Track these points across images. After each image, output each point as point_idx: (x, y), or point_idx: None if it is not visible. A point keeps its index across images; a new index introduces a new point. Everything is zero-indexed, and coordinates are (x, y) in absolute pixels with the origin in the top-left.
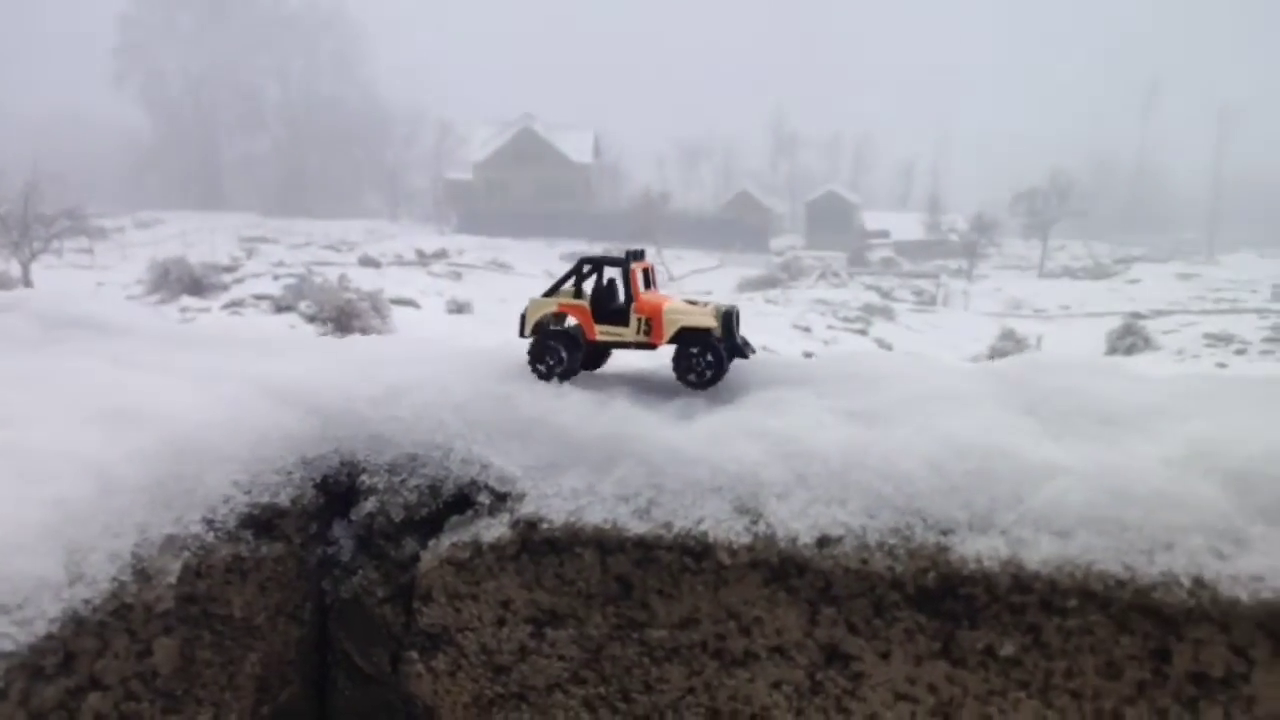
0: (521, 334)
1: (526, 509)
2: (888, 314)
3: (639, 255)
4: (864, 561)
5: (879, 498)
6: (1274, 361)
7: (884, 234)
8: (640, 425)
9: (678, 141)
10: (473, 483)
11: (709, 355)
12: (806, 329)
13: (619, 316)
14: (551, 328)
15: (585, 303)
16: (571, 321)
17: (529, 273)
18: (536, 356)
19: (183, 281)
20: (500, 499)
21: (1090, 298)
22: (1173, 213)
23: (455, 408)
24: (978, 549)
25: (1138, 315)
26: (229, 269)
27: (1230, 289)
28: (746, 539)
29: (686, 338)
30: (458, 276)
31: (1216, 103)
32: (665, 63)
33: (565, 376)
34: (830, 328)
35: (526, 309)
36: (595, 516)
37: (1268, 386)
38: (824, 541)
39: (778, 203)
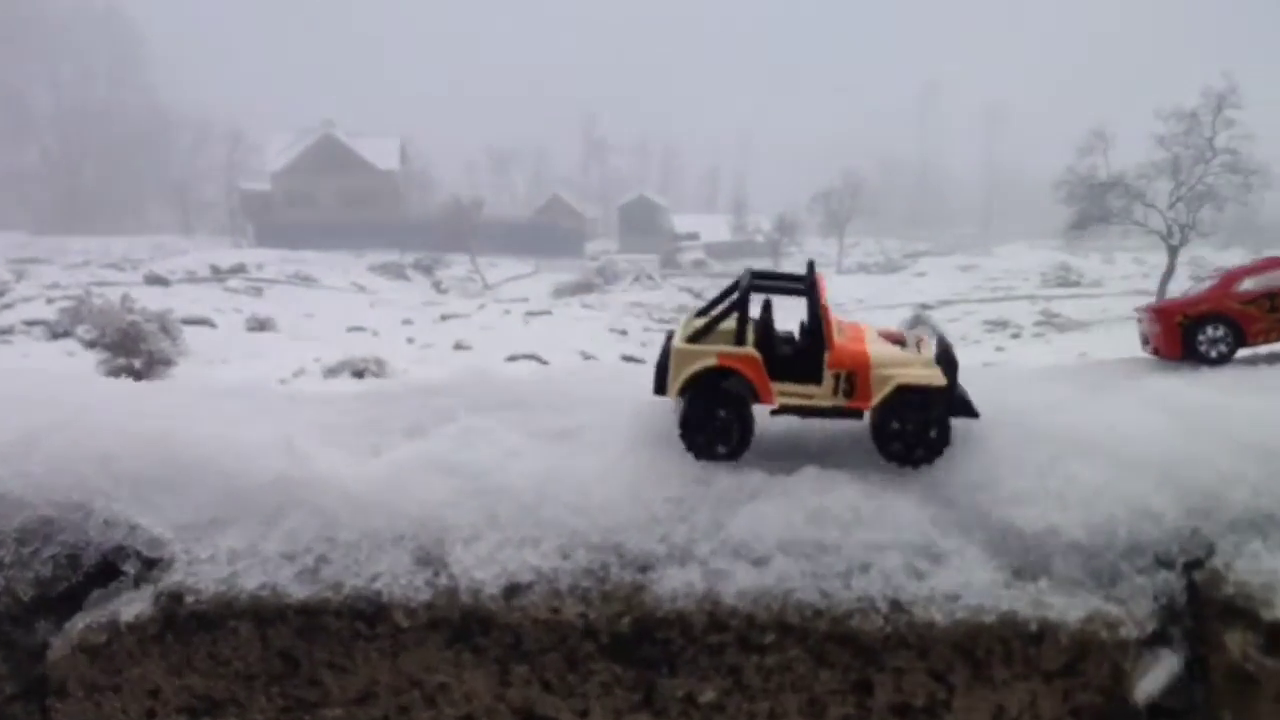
0: (660, 391)
1: (172, 578)
2: None
3: (812, 269)
4: (555, 610)
5: (574, 534)
6: (1044, 344)
7: (694, 236)
8: (317, 465)
9: (488, 148)
10: (118, 549)
11: (935, 428)
12: (623, 332)
13: (801, 369)
14: (718, 388)
15: (753, 350)
16: (729, 372)
17: (336, 285)
18: (704, 434)
19: None
20: (148, 566)
21: (884, 291)
22: (952, 209)
23: (101, 458)
24: (674, 586)
25: (925, 306)
26: None
27: (1005, 278)
28: (426, 595)
29: (900, 399)
30: (258, 292)
31: (986, 104)
32: (473, 68)
33: (735, 457)
34: (646, 329)
35: (670, 357)
36: (252, 582)
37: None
38: (512, 591)
39: (590, 207)
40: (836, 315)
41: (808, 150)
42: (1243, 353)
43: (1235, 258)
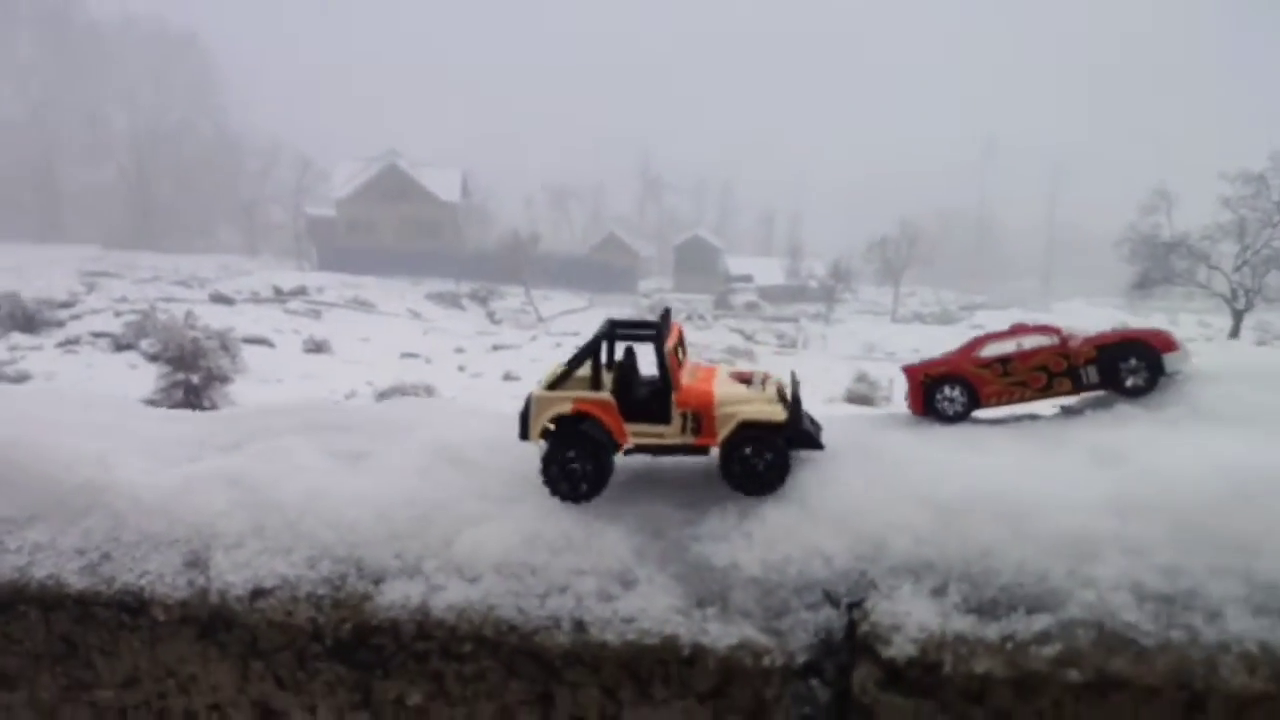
0: (524, 436)
1: None
2: (750, 356)
3: (666, 317)
4: (289, 614)
5: (324, 546)
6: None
7: (747, 278)
8: (120, 474)
9: (546, 183)
10: None
11: (769, 454)
12: None
13: (654, 411)
14: (573, 429)
15: (608, 394)
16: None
17: (392, 312)
18: (556, 475)
19: (14, 317)
20: None
21: (938, 342)
22: (1010, 263)
23: None
24: (395, 597)
25: None
26: (66, 304)
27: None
28: (183, 593)
29: (744, 434)
30: (317, 315)
31: (1047, 163)
32: (534, 104)
33: (593, 495)
34: None
35: (529, 404)
36: (42, 572)
37: None
38: (257, 594)
39: (645, 246)
40: (695, 360)
41: (865, 198)
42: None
43: None
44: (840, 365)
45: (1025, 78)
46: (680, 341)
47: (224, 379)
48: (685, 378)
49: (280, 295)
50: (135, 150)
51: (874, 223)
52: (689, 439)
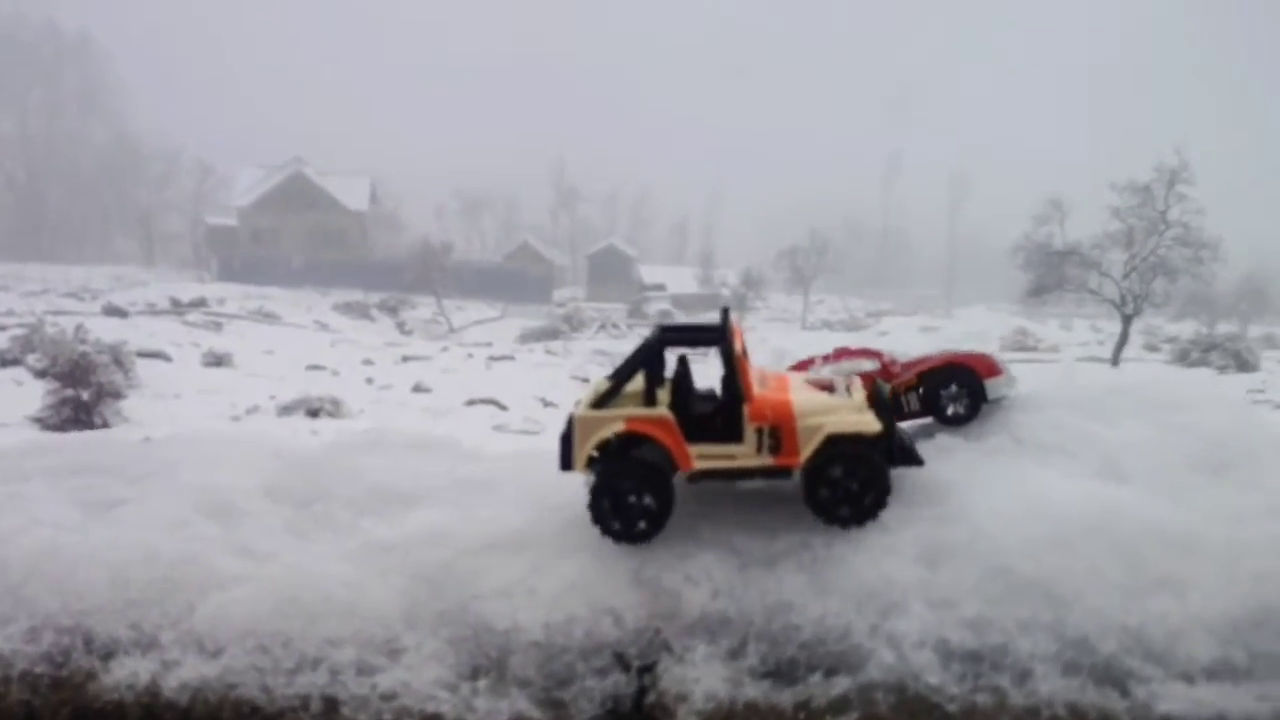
0: (566, 465)
1: None
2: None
3: (726, 317)
4: (2, 696)
5: (47, 615)
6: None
7: (661, 287)
8: None
9: (459, 192)
10: None
11: (865, 474)
12: (585, 379)
13: (721, 427)
14: (626, 454)
15: (666, 411)
16: (643, 438)
17: (298, 323)
18: (609, 512)
19: None
20: None
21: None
22: (914, 272)
23: None
24: (123, 675)
25: None
26: None
27: (965, 340)
28: None
29: (833, 450)
30: (217, 327)
31: (948, 174)
32: (445, 112)
33: (653, 534)
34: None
35: (572, 426)
36: None
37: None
38: None
39: (559, 255)
40: (760, 367)
41: (775, 208)
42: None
43: (1189, 328)
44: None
45: (931, 93)
46: (744, 346)
47: (116, 395)
48: (755, 386)
49: (178, 307)
50: (25, 157)
51: (784, 233)
52: (766, 460)
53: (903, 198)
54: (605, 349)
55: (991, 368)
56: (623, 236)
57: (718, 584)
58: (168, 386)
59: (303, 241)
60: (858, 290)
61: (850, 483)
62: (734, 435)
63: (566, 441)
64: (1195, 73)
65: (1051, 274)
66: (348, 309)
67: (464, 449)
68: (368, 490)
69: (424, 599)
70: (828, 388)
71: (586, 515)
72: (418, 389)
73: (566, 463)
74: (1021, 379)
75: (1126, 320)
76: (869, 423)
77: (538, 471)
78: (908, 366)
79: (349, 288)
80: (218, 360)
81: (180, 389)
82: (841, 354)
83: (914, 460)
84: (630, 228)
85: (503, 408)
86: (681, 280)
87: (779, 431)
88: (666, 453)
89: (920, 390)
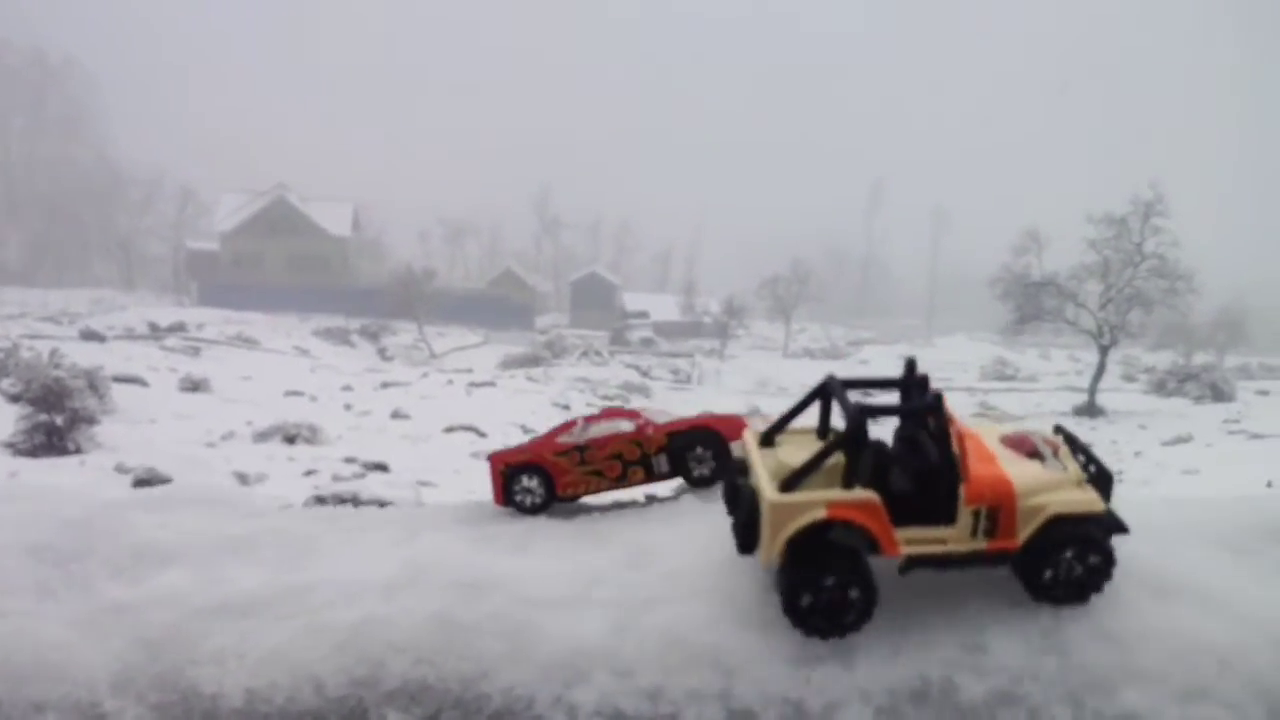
0: (747, 549)
1: None
2: (645, 391)
3: (913, 370)
4: None
5: None
6: None
7: (643, 315)
8: None
9: (442, 219)
10: None
11: (1094, 556)
12: (566, 406)
13: (927, 508)
14: (826, 542)
15: (872, 494)
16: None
17: (278, 349)
18: (809, 608)
19: None
20: None
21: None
22: (896, 301)
23: None
24: None
25: (866, 393)
26: None
27: (945, 369)
28: None
29: (1056, 531)
30: (195, 352)
31: (929, 205)
32: (430, 140)
33: (859, 628)
34: (589, 405)
35: (763, 513)
36: None
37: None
38: None
39: (542, 281)
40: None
41: (758, 237)
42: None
43: (1166, 359)
44: (734, 400)
45: (912, 124)
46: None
47: (90, 420)
48: (976, 465)
49: (157, 332)
50: (6, 179)
51: (766, 261)
52: (980, 544)
53: (885, 228)
54: (587, 376)
55: (738, 430)
56: (606, 264)
57: (422, 649)
58: (143, 412)
59: (284, 267)
60: (839, 319)
61: (1077, 564)
62: (945, 517)
63: (747, 526)
64: (1176, 106)
65: (1029, 304)
66: (328, 335)
67: (257, 505)
68: (129, 549)
69: (140, 662)
70: (1032, 452)
71: (323, 576)
72: (397, 415)
73: (748, 547)
74: None
75: (1103, 351)
76: (1093, 501)
77: (309, 529)
78: (659, 428)
79: (330, 313)
80: (195, 386)
81: (156, 414)
82: (608, 414)
83: (1120, 529)
84: (614, 255)
85: (482, 434)
86: (664, 308)
87: (997, 513)
88: (869, 536)
89: (669, 451)
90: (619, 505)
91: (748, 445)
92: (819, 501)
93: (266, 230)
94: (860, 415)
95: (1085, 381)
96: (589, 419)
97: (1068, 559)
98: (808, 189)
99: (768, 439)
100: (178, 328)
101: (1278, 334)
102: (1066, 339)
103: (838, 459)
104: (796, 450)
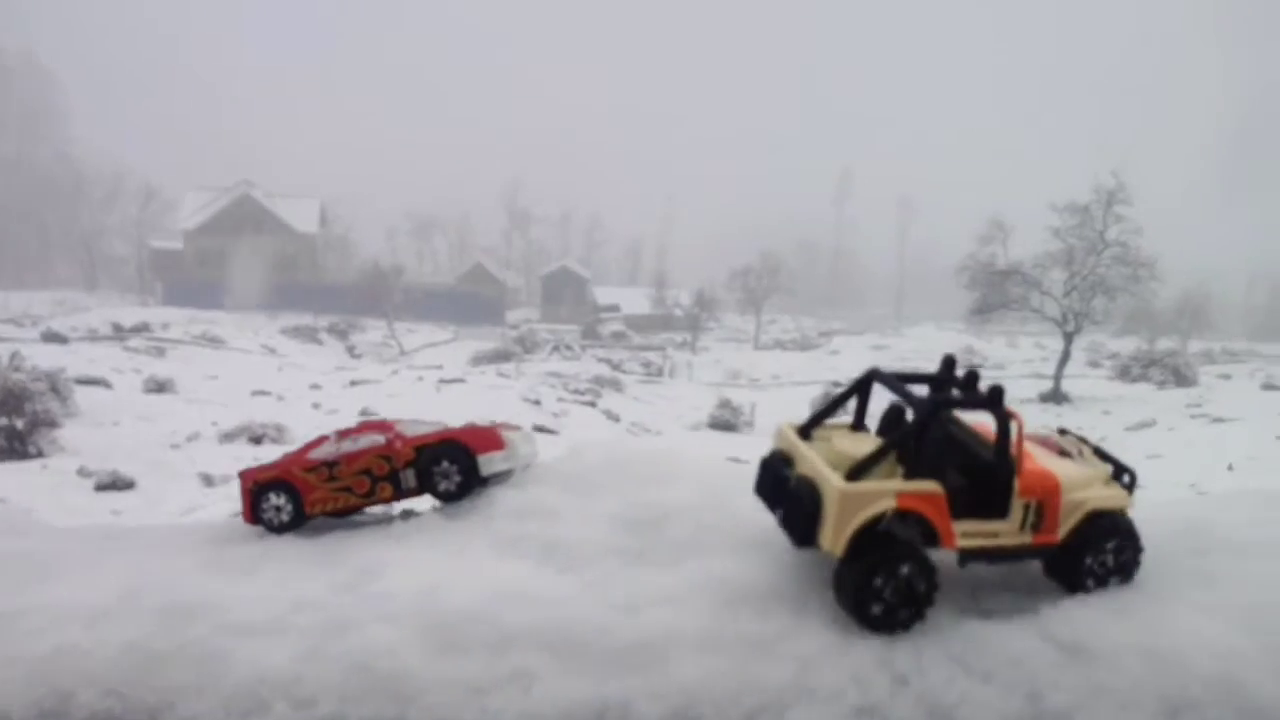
0: (807, 541)
1: None
2: (617, 385)
3: (950, 366)
4: None
5: None
6: None
7: (615, 308)
8: None
9: (411, 214)
10: None
11: (1129, 551)
12: (537, 401)
13: (983, 500)
14: (889, 536)
15: (937, 485)
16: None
17: (244, 348)
18: (888, 603)
19: None
20: None
21: (798, 367)
22: (866, 291)
23: None
24: None
25: (836, 383)
26: None
27: (914, 358)
28: None
29: (1093, 526)
30: (160, 352)
31: (897, 196)
32: (397, 135)
33: (914, 623)
34: (561, 400)
35: (824, 503)
36: None
37: None
38: None
39: (512, 276)
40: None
41: (728, 229)
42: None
43: (1130, 345)
44: (705, 392)
45: (879, 114)
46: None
47: (52, 423)
48: (1029, 461)
49: (120, 332)
50: None
51: (737, 253)
52: (1027, 538)
53: (854, 218)
54: (559, 370)
55: (489, 442)
56: (576, 258)
57: (113, 679)
58: (107, 414)
59: (250, 265)
60: (810, 309)
61: (1115, 556)
62: (999, 511)
63: (810, 515)
64: (1139, 95)
65: (995, 293)
66: (296, 333)
67: (19, 523)
68: None
69: None
70: (1061, 451)
71: (39, 602)
72: (365, 413)
73: (808, 538)
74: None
75: (1068, 338)
76: (1122, 497)
77: (62, 548)
78: (408, 442)
79: (298, 311)
80: (159, 386)
81: (119, 416)
82: (365, 427)
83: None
84: (584, 249)
85: None
86: (635, 301)
87: (1044, 507)
88: (931, 528)
89: (416, 466)
90: (373, 522)
91: (784, 434)
92: (889, 491)
93: (232, 227)
94: (934, 407)
95: (1052, 368)
96: (343, 433)
97: (1109, 549)
98: (778, 180)
99: (804, 433)
100: (142, 328)
101: (1239, 319)
102: (1033, 326)
103: (893, 453)
104: (848, 442)
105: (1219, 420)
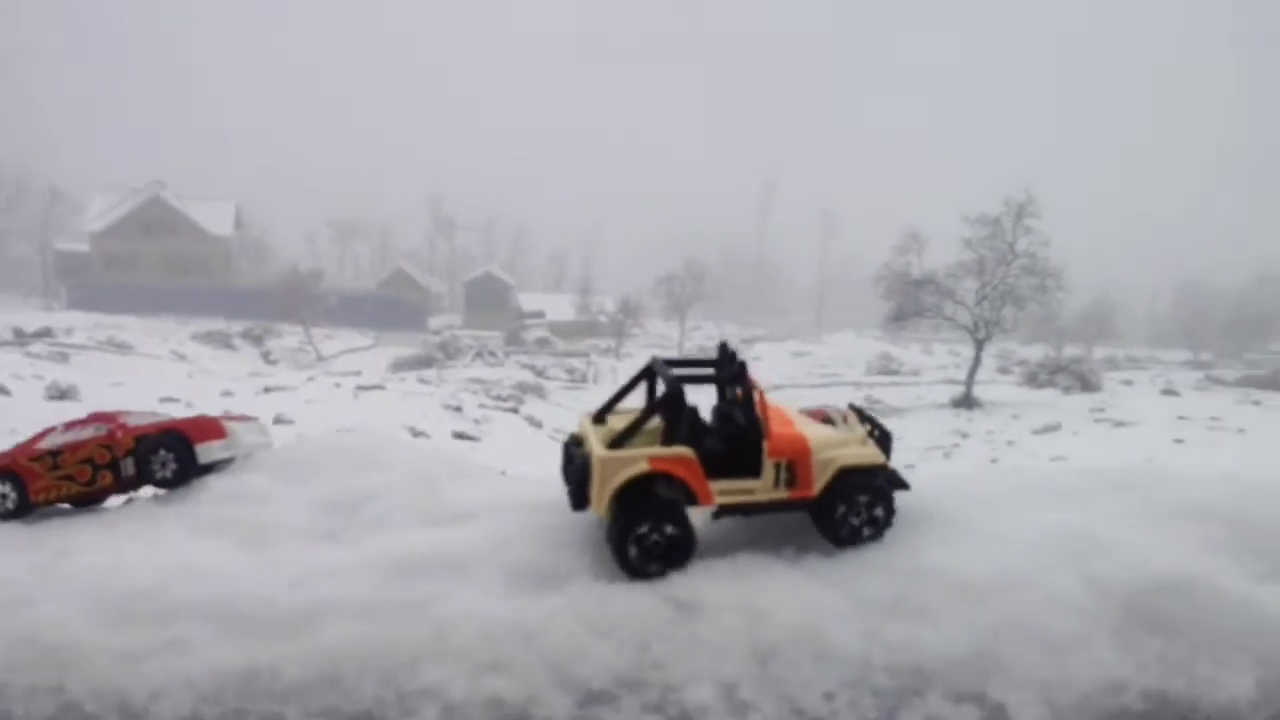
0: (580, 505)
1: None
2: (540, 392)
3: (727, 352)
4: None
5: None
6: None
7: (539, 314)
8: None
9: (331, 219)
10: None
11: (880, 506)
12: (458, 408)
13: (738, 463)
14: (648, 494)
15: (688, 449)
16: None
17: (153, 353)
18: (647, 552)
19: None
20: None
21: None
22: (788, 298)
23: None
24: None
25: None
26: None
27: (833, 365)
28: None
29: (844, 481)
30: (64, 358)
31: (819, 206)
32: (320, 139)
33: (678, 568)
34: (482, 406)
35: (592, 467)
36: None
37: None
38: None
39: (436, 282)
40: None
41: (652, 237)
42: None
43: (1038, 352)
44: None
45: (801, 126)
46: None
47: None
48: (777, 426)
49: (21, 338)
50: None
51: (661, 261)
52: (782, 493)
53: (776, 227)
54: (481, 377)
55: (208, 431)
56: (501, 264)
57: None
58: (4, 422)
59: (161, 268)
60: (733, 316)
61: (866, 509)
62: (752, 470)
63: (581, 483)
64: (1050, 109)
65: (910, 301)
66: (208, 338)
67: None
68: None
69: None
70: (826, 420)
71: None
72: (279, 420)
73: (580, 502)
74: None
75: (979, 345)
76: (875, 455)
77: None
78: (128, 431)
79: (210, 316)
80: (62, 394)
81: (18, 424)
82: (93, 418)
83: (903, 485)
84: (509, 255)
85: None
86: (560, 308)
87: (795, 466)
88: (688, 489)
89: (135, 455)
90: (99, 510)
91: (582, 422)
92: (641, 456)
93: (141, 230)
94: (677, 382)
95: (964, 374)
96: (69, 424)
97: (861, 503)
98: (703, 189)
99: (600, 417)
100: (44, 333)
101: (1142, 327)
102: (946, 334)
103: (660, 426)
104: (624, 421)
105: (1121, 424)
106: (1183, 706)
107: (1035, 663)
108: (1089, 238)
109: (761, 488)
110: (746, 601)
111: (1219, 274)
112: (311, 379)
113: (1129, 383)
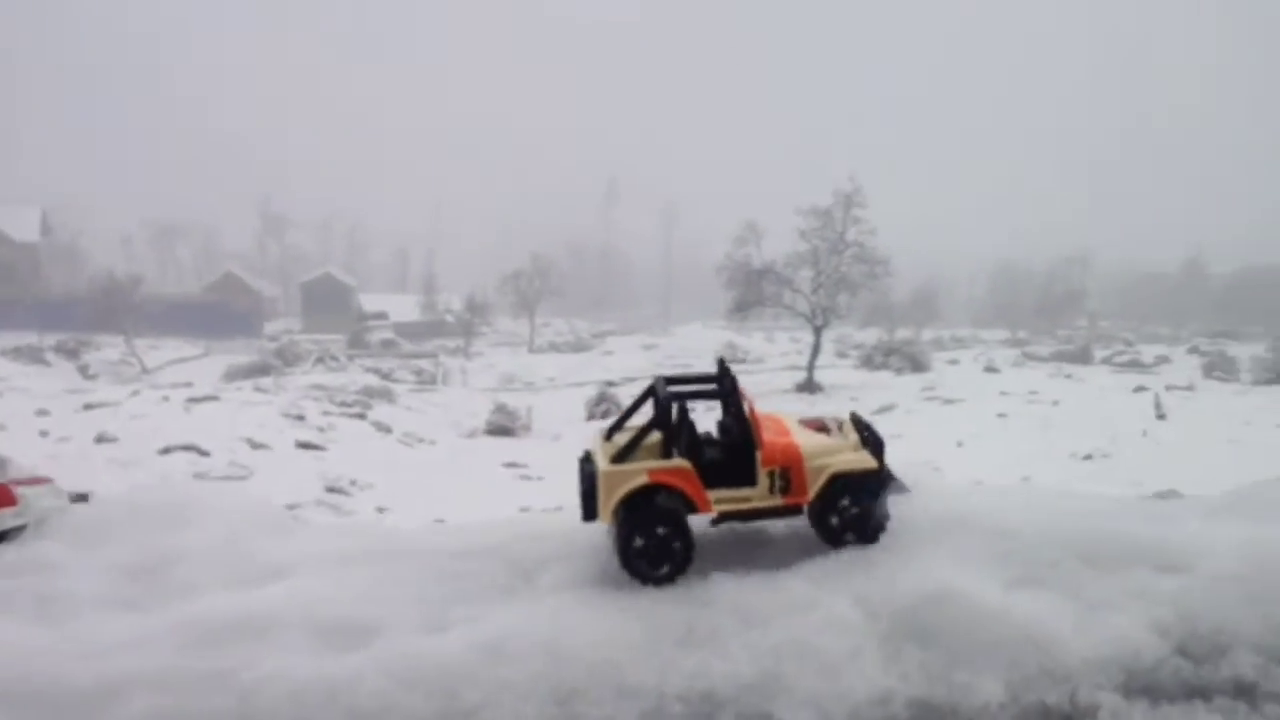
0: (589, 516)
1: None
2: (388, 395)
3: (725, 369)
4: None
5: None
6: (714, 416)
7: (383, 316)
8: None
9: (149, 221)
10: None
11: (870, 506)
12: (300, 416)
13: (733, 472)
14: (653, 506)
15: (685, 461)
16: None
17: None
18: (649, 558)
19: None
20: None
21: (573, 369)
22: (635, 292)
23: None
24: None
25: (610, 383)
26: None
27: (682, 356)
28: None
29: (836, 486)
30: None
31: (662, 199)
32: (126, 139)
33: (678, 575)
34: (326, 414)
35: (595, 481)
36: None
37: None
38: None
39: (268, 285)
40: (758, 410)
41: (498, 234)
42: None
43: (872, 336)
44: (480, 398)
45: (646, 119)
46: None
47: None
48: (770, 435)
49: None
50: None
51: (508, 257)
52: (777, 500)
53: (621, 221)
54: (323, 383)
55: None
56: (340, 264)
57: None
58: None
59: None
60: (582, 312)
61: (857, 512)
62: (747, 479)
63: (589, 496)
64: (871, 101)
65: (751, 291)
66: (17, 354)
67: None
68: None
69: None
70: (822, 429)
71: None
72: (102, 439)
73: (590, 514)
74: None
75: (817, 331)
76: (866, 460)
77: None
78: None
79: (19, 329)
80: None
81: None
82: None
83: (900, 488)
84: (347, 254)
85: (204, 453)
86: (404, 308)
87: (789, 473)
88: (687, 499)
89: None
90: None
91: (592, 440)
92: (641, 469)
93: None
94: (669, 399)
95: (806, 361)
96: None
97: (846, 505)
98: (546, 183)
99: (609, 434)
100: None
101: (963, 309)
102: (787, 322)
103: (661, 440)
104: (629, 437)
105: (949, 402)
106: (944, 712)
107: (813, 681)
108: (912, 224)
109: (758, 495)
110: (551, 641)
111: (1031, 255)
112: (136, 393)
113: (955, 362)
